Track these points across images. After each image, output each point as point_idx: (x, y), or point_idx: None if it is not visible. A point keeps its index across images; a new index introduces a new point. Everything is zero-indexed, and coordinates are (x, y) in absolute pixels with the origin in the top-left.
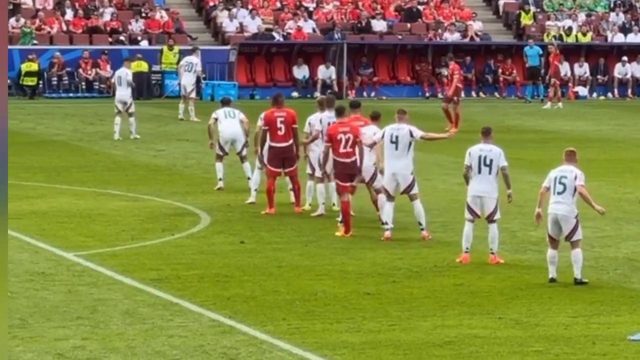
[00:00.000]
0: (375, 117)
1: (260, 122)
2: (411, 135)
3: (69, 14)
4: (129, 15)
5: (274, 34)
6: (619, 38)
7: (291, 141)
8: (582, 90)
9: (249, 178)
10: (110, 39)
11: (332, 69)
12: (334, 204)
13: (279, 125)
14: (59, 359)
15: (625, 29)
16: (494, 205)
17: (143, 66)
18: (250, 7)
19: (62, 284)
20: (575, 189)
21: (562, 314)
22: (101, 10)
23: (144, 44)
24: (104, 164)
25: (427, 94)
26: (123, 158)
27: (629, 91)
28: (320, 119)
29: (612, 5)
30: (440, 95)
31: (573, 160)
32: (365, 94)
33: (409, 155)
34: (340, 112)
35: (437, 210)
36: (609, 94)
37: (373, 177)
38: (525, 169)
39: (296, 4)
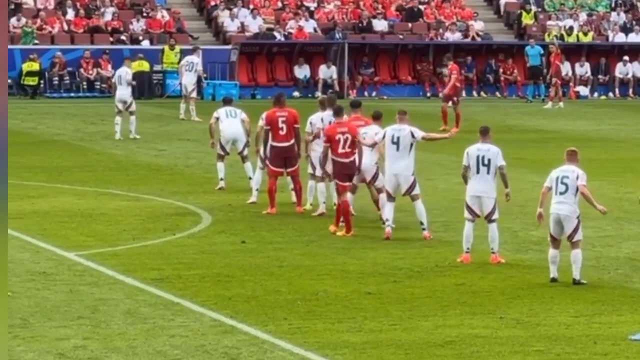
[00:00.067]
0: (376, 117)
1: (261, 122)
2: (412, 136)
3: (70, 14)
4: (130, 15)
5: (275, 33)
6: (620, 38)
7: (293, 141)
8: (583, 90)
9: (250, 178)
10: (111, 39)
11: (333, 68)
12: (335, 204)
13: (280, 125)
14: (60, 359)
15: (626, 29)
16: (492, 205)
17: (144, 66)
18: (251, 6)
19: (63, 284)
20: (577, 189)
21: (564, 314)
22: (102, 10)
23: (145, 44)
24: (105, 163)
25: (428, 94)
26: (124, 158)
27: (630, 91)
28: (321, 118)
29: (613, 5)
30: (441, 95)
31: (574, 159)
32: (366, 93)
33: (410, 156)
34: (338, 112)
35: (439, 210)
36: (610, 94)
37: (374, 177)
38: (526, 168)
39: (297, 3)
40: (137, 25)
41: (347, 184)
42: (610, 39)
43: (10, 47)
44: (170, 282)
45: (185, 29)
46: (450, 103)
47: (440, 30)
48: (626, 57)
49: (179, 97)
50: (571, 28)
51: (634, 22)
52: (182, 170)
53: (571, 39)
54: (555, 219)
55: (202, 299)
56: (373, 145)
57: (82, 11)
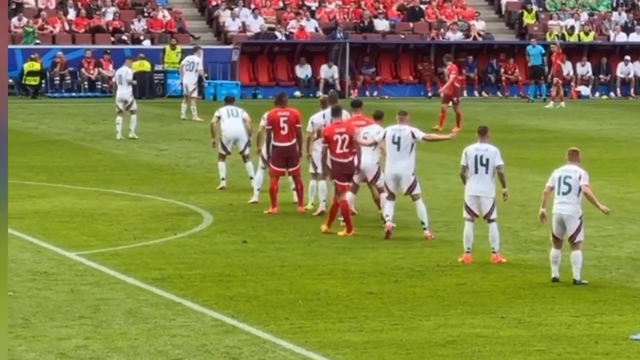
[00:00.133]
0: (378, 117)
1: (263, 122)
2: (413, 136)
3: (72, 14)
4: (132, 15)
5: (277, 33)
6: (621, 37)
7: (294, 141)
8: (585, 90)
9: (251, 177)
10: (112, 39)
11: (335, 68)
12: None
13: (282, 124)
14: (62, 359)
15: (627, 29)
16: (491, 204)
17: (145, 66)
18: (252, 6)
19: (65, 284)
20: (580, 189)
21: (565, 314)
22: (103, 9)
23: (147, 44)
24: (106, 163)
25: (430, 94)
26: (125, 157)
27: (632, 90)
28: (323, 115)
29: (614, 5)
30: (441, 95)
31: (576, 159)
32: (367, 93)
33: (410, 156)
34: (336, 112)
35: (440, 209)
36: (612, 94)
37: (376, 176)
38: (527, 168)
39: (298, 3)
40: (139, 25)
41: (346, 184)
42: (612, 38)
43: (11, 47)
44: (171, 281)
45: (186, 29)
46: (450, 103)
47: (442, 30)
48: (627, 57)
49: (180, 97)
50: (572, 28)
51: (635, 22)
52: (184, 170)
53: (572, 39)
54: (557, 219)
55: (204, 298)
56: (372, 145)
57: (83, 11)
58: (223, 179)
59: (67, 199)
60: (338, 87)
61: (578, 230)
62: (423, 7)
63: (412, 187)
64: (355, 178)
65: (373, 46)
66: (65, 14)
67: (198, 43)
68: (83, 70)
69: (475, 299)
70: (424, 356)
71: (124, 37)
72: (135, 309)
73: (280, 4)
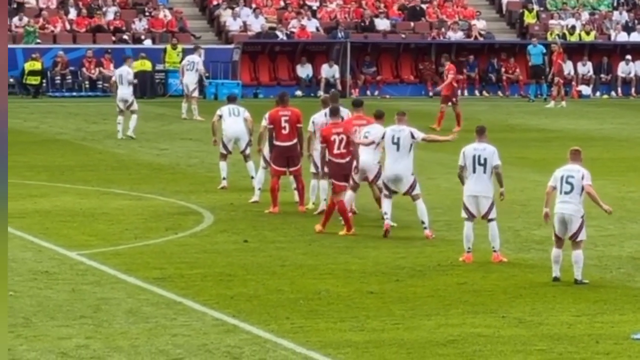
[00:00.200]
0: (378, 116)
1: (264, 122)
2: (412, 137)
3: (73, 13)
4: (133, 14)
5: (278, 32)
6: (622, 37)
7: (295, 140)
8: (586, 89)
9: (252, 177)
10: (113, 38)
11: (336, 67)
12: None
13: (283, 124)
14: (63, 358)
15: (628, 28)
16: (489, 204)
17: (147, 65)
18: (253, 6)
19: (66, 283)
20: (582, 189)
21: (566, 313)
22: (104, 9)
23: (148, 43)
24: (107, 162)
25: (431, 93)
26: (126, 157)
27: (633, 90)
28: (324, 114)
29: (615, 4)
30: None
31: (578, 159)
32: (368, 92)
33: (409, 157)
34: (333, 113)
35: (441, 209)
36: (613, 93)
37: (377, 176)
38: (528, 167)
39: (300, 2)
40: (140, 25)
41: (343, 184)
42: (613, 38)
43: (12, 46)
44: (172, 281)
45: (187, 28)
46: (449, 103)
47: (443, 30)
48: (628, 56)
49: (181, 96)
50: (573, 27)
51: (636, 21)
52: (184, 170)
53: (573, 38)
54: (559, 219)
55: (204, 298)
56: (370, 144)
57: (84, 10)
58: (224, 178)
59: (68, 199)
60: (339, 87)
61: (580, 230)
62: (424, 6)
63: (412, 187)
64: (356, 177)
65: (374, 46)
66: (66, 13)
67: (199, 42)
68: (84, 69)
69: (476, 298)
70: (425, 356)
71: (125, 37)
72: (136, 309)
73: (281, 3)
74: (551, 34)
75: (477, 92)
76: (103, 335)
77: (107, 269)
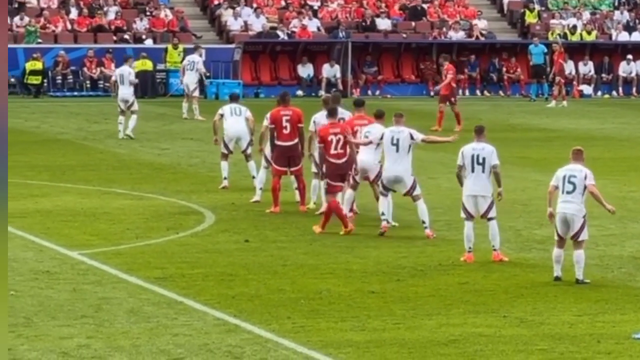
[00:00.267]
0: (379, 116)
1: (266, 122)
2: (411, 137)
3: (74, 13)
4: (134, 14)
5: (279, 32)
6: (623, 36)
7: (297, 140)
8: (587, 89)
9: (253, 177)
10: (114, 38)
11: (337, 67)
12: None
13: (284, 124)
14: (64, 358)
15: (629, 28)
16: (487, 204)
17: (148, 65)
18: (254, 5)
19: (67, 283)
20: (584, 188)
21: (567, 313)
22: (106, 9)
23: (149, 43)
24: (108, 162)
25: (432, 93)
26: (127, 157)
27: (634, 89)
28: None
29: (616, 4)
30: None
31: (580, 159)
32: (369, 92)
33: (408, 157)
34: (331, 113)
35: (442, 208)
36: (614, 93)
37: (378, 175)
38: (529, 167)
39: (301, 2)
40: (141, 24)
41: (339, 184)
42: (614, 37)
43: (13, 46)
44: (173, 281)
45: (188, 28)
46: (447, 103)
47: (444, 29)
48: (630, 56)
49: (182, 96)
50: (574, 27)
51: (637, 21)
52: (186, 169)
53: (575, 38)
54: (561, 219)
55: (206, 297)
56: (367, 144)
57: (85, 10)
58: (225, 178)
59: (69, 198)
60: (340, 87)
61: (582, 230)
62: (425, 6)
63: (412, 188)
64: (357, 177)
65: (375, 45)
66: (68, 13)
67: (200, 42)
68: (85, 69)
69: (477, 298)
70: (426, 355)
71: (126, 37)
72: (137, 308)
73: (283, 3)
74: (552, 34)
75: (478, 92)
76: (104, 335)
77: (108, 269)
